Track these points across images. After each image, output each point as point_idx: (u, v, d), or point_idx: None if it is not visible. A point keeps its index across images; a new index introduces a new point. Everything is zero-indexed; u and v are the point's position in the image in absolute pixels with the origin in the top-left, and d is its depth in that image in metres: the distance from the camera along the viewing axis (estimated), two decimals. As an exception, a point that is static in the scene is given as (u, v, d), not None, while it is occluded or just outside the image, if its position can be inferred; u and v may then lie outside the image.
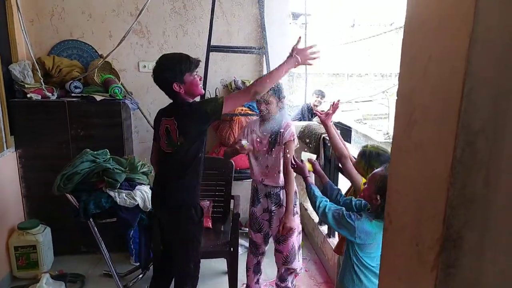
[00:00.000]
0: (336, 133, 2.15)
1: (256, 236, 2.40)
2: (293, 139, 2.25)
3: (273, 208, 2.33)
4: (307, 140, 3.20)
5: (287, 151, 2.23)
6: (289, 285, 2.44)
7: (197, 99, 2.19)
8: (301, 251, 2.43)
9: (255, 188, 2.39)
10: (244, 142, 2.23)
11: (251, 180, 2.46)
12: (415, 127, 0.73)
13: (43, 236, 2.88)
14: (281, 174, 2.29)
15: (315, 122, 3.76)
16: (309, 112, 4.73)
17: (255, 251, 2.45)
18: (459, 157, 0.62)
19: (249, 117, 3.21)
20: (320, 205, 1.68)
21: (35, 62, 2.90)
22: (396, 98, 0.87)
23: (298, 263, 2.39)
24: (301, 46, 1.95)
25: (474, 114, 0.62)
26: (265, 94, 2.10)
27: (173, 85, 1.87)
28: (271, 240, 2.45)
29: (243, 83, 3.49)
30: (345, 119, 10.44)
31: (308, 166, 1.94)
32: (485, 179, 0.64)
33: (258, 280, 2.56)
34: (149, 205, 2.56)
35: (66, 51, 3.29)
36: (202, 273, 3.00)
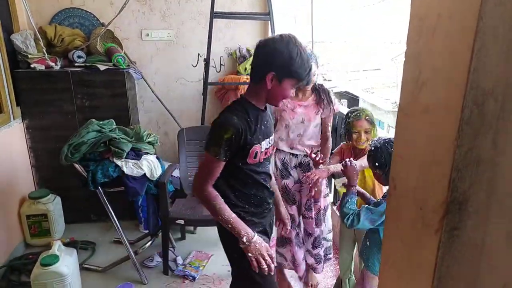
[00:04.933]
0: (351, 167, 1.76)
1: (292, 209, 2.33)
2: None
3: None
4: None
5: (328, 117, 2.24)
6: (321, 252, 2.41)
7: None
8: (329, 220, 2.43)
9: (284, 160, 2.29)
10: None
11: (276, 151, 2.32)
12: (423, 89, 0.71)
13: (53, 205, 2.95)
14: (313, 142, 2.26)
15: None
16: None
17: (292, 224, 2.32)
18: (467, 119, 0.60)
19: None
20: (353, 218, 1.65)
21: (37, 32, 2.86)
22: (404, 61, 0.84)
23: (326, 228, 2.40)
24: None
25: (484, 74, 0.59)
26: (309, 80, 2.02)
27: (267, 74, 1.42)
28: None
29: (248, 51, 3.43)
30: (353, 89, 10.30)
31: (341, 192, 1.88)
32: (493, 142, 0.63)
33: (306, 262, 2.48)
34: (155, 174, 2.58)
35: (67, 19, 3.23)
36: (210, 239, 3.08)
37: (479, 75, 0.59)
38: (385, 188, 1.96)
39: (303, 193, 2.32)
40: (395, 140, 0.86)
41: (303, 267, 2.47)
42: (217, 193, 1.47)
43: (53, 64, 2.96)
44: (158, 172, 2.61)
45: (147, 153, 2.64)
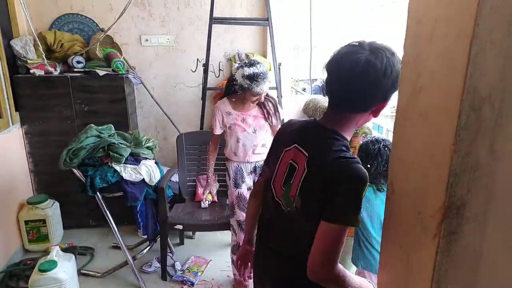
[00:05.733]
0: None
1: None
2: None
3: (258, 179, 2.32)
4: (311, 113, 3.17)
5: (277, 126, 2.26)
6: None
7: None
8: None
9: (238, 168, 2.29)
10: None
11: (230, 161, 2.31)
12: (421, 93, 0.71)
13: (52, 210, 2.94)
14: (267, 147, 2.23)
15: (320, 95, 3.72)
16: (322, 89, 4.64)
17: None
18: (464, 124, 0.61)
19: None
20: None
21: (36, 37, 2.87)
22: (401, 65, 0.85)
23: None
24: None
25: (480, 80, 0.60)
26: (263, 85, 2.06)
27: (375, 104, 1.05)
28: None
29: (247, 56, 3.44)
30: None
31: None
32: (490, 147, 0.63)
33: None
34: (154, 179, 2.58)
35: (67, 25, 3.24)
36: (209, 244, 3.08)
37: (476, 80, 0.59)
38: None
39: None
40: (393, 144, 0.86)
41: None
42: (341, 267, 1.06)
43: (52, 69, 2.96)
44: (157, 177, 2.60)
45: (146, 158, 2.64)
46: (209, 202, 2.24)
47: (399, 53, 0.89)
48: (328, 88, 1.08)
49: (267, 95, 2.28)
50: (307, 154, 1.09)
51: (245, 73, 2.05)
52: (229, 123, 2.21)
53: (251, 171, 2.31)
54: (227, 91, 2.28)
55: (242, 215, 2.29)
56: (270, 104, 2.25)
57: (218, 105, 2.24)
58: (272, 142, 1.33)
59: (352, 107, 1.06)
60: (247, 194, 2.29)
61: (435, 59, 0.67)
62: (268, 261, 1.28)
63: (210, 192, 2.23)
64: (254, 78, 2.03)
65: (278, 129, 2.32)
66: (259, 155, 2.27)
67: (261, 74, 2.05)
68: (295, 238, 1.14)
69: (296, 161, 1.12)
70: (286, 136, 1.22)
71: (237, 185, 2.29)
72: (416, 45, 0.73)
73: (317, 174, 1.04)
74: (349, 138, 1.09)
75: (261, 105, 2.23)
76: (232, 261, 2.44)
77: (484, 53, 0.58)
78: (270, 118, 2.24)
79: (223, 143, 2.41)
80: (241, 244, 2.33)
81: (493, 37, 0.58)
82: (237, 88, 2.12)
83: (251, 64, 2.09)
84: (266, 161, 1.35)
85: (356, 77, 0.98)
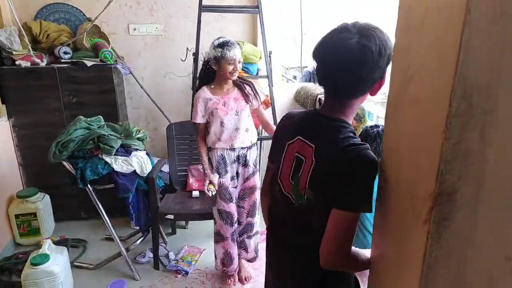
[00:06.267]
0: None
1: (229, 206, 2.33)
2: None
3: (240, 169, 2.33)
4: (302, 101, 3.17)
5: (258, 109, 2.34)
6: (246, 240, 2.48)
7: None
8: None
9: (221, 157, 2.27)
10: (211, 191, 2.24)
11: (213, 150, 2.30)
12: (412, 82, 0.72)
13: (42, 204, 2.91)
14: (250, 132, 2.29)
15: (311, 83, 3.72)
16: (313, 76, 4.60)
17: (230, 221, 2.35)
18: (455, 111, 0.61)
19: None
20: None
21: (22, 28, 2.80)
22: (392, 53, 0.85)
23: (258, 217, 2.46)
24: None
25: (471, 68, 0.60)
26: (235, 51, 2.13)
27: (374, 84, 1.03)
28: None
29: (238, 44, 3.40)
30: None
31: None
32: (481, 134, 0.63)
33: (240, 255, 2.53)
34: (146, 171, 2.56)
35: (52, 15, 3.17)
36: (202, 234, 3.09)
37: (467, 68, 0.60)
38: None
39: (238, 184, 2.36)
40: (384, 132, 0.86)
41: (236, 263, 2.49)
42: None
43: (38, 60, 2.90)
44: (148, 168, 2.59)
45: (137, 150, 2.62)
46: (213, 193, 2.24)
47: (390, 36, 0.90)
48: (323, 78, 1.06)
49: (242, 78, 2.31)
50: (313, 145, 1.07)
51: (215, 44, 2.16)
52: (211, 109, 2.21)
53: (234, 159, 2.29)
54: (203, 80, 2.29)
55: (223, 204, 2.31)
56: (248, 87, 2.28)
57: (198, 94, 2.26)
58: (273, 136, 1.30)
59: (354, 93, 1.05)
60: (229, 184, 2.30)
61: (426, 48, 0.67)
62: (282, 255, 1.27)
63: (211, 183, 2.22)
64: (224, 44, 2.14)
65: (260, 111, 2.34)
66: (243, 142, 2.27)
67: (230, 41, 2.17)
68: (308, 230, 1.12)
69: (302, 153, 1.10)
70: (287, 129, 1.20)
71: (219, 174, 2.29)
72: (407, 33, 0.73)
73: (327, 164, 1.03)
74: (351, 123, 1.09)
75: (240, 88, 2.26)
76: (216, 243, 2.46)
77: (475, 40, 0.58)
78: (251, 100, 2.27)
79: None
80: (221, 232, 2.37)
81: (484, 25, 0.58)
82: (212, 63, 2.16)
83: (219, 38, 2.21)
84: (270, 156, 1.31)
85: (355, 64, 0.96)
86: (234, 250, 2.44)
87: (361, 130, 1.88)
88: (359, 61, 0.95)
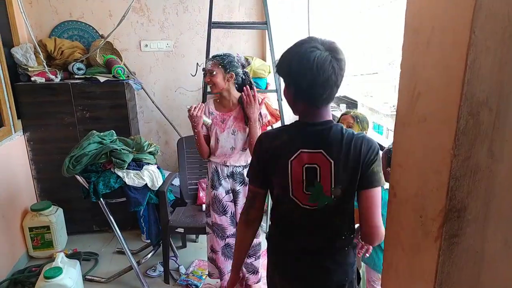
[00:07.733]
0: None
1: (221, 219, 2.27)
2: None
3: (238, 187, 2.26)
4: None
5: (272, 120, 2.33)
6: (254, 262, 2.38)
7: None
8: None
9: (215, 170, 2.25)
10: (206, 119, 2.17)
11: (209, 161, 2.29)
12: (419, 100, 0.73)
13: (55, 217, 2.95)
14: (248, 152, 2.23)
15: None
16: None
17: (222, 234, 2.29)
18: (463, 129, 0.62)
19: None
20: None
21: (37, 45, 2.89)
22: (399, 72, 0.86)
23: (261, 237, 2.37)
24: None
25: (477, 85, 0.61)
26: (209, 63, 2.11)
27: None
28: None
29: (246, 59, 3.45)
30: (352, 93, 10.30)
31: None
32: (489, 150, 0.64)
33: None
34: (157, 184, 2.59)
35: (66, 32, 3.26)
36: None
37: (473, 86, 0.61)
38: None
39: (239, 203, 2.27)
40: (393, 149, 0.87)
41: (227, 278, 2.37)
42: None
43: (53, 76, 2.98)
44: (159, 182, 2.62)
45: (148, 163, 2.66)
46: (209, 123, 2.18)
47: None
48: (304, 92, 1.16)
49: (254, 97, 2.16)
50: (322, 150, 1.17)
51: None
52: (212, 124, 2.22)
53: (228, 175, 2.25)
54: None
55: (214, 217, 2.27)
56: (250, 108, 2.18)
57: (205, 104, 2.26)
58: (257, 164, 1.29)
59: (332, 99, 1.19)
60: (223, 198, 2.25)
61: (432, 67, 0.68)
62: (303, 265, 1.29)
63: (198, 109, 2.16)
64: (209, 57, 2.18)
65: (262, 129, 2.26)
66: (237, 160, 2.23)
67: (216, 54, 2.15)
68: (335, 229, 1.25)
69: (313, 162, 1.18)
70: (279, 149, 1.22)
71: (213, 187, 2.26)
72: (413, 53, 0.74)
73: (347, 158, 1.16)
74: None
75: (242, 107, 2.19)
76: (209, 258, 2.40)
77: (480, 59, 0.60)
78: (261, 120, 2.22)
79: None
80: (213, 246, 2.30)
81: (489, 44, 0.60)
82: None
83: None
84: (254, 181, 1.31)
85: (335, 76, 1.12)
86: (228, 266, 2.34)
87: (384, 152, 1.76)
88: (339, 72, 1.12)
